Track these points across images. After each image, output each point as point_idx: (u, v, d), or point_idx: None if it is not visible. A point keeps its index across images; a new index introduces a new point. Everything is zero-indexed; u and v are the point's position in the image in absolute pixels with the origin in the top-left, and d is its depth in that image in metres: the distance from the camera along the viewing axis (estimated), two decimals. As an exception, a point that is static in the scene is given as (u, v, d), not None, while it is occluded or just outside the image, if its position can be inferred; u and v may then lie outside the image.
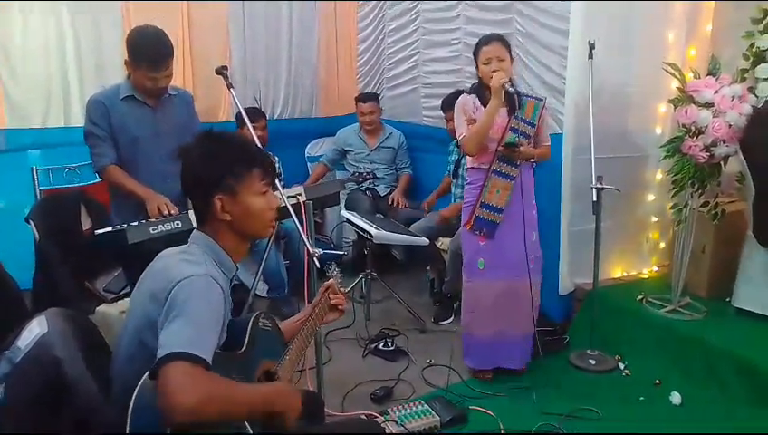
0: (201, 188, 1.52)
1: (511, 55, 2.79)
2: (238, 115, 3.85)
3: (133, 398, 1.27)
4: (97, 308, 2.87)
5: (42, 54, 3.80)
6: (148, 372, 1.26)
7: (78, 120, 3.84)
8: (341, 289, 1.97)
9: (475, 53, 2.81)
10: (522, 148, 2.74)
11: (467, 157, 2.94)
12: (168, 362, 1.21)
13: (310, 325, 1.80)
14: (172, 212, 2.41)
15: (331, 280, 1.97)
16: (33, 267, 3.20)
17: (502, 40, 2.79)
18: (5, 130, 3.75)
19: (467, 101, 2.85)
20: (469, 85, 3.91)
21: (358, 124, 4.54)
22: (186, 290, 1.34)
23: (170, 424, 1.20)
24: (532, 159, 2.86)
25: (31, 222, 3.16)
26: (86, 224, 3.44)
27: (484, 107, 2.79)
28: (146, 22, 2.63)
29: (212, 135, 1.58)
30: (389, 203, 4.29)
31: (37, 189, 3.68)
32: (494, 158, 2.81)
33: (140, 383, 1.28)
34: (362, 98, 4.53)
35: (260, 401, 1.37)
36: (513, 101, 2.71)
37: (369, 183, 4.33)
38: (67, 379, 1.31)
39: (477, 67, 2.81)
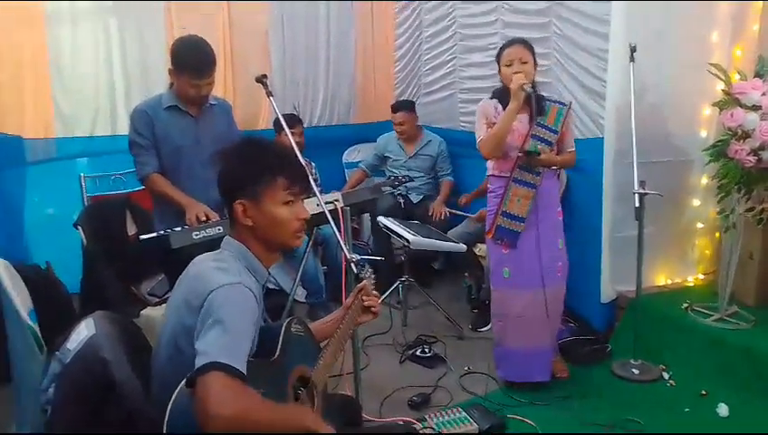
0: (227, 192, 1.56)
1: (535, 60, 2.75)
2: (276, 121, 3.91)
3: (170, 403, 1.30)
4: (141, 311, 2.95)
5: (90, 67, 3.93)
6: (185, 380, 1.29)
7: (124, 129, 3.92)
8: (374, 290, 1.96)
9: (498, 56, 2.79)
10: (543, 156, 2.70)
11: (489, 164, 2.89)
12: (207, 372, 1.24)
13: (344, 328, 1.79)
14: (210, 219, 2.45)
15: (363, 282, 1.97)
16: (81, 271, 3.32)
17: (525, 42, 2.77)
18: (56, 140, 3.89)
19: (489, 105, 2.83)
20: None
21: None
22: (220, 299, 1.37)
23: (206, 431, 1.22)
24: (555, 167, 2.82)
25: (79, 228, 3.28)
26: (131, 229, 3.55)
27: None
28: (188, 33, 2.70)
29: (245, 141, 1.61)
30: (429, 214, 4.22)
31: (85, 196, 3.80)
32: (515, 166, 2.77)
33: (177, 389, 1.31)
34: (394, 108, 4.50)
35: (292, 419, 1.38)
36: (535, 108, 2.68)
37: (403, 189, 4.33)
38: (113, 379, 1.35)
39: (500, 70, 2.78)
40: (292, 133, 3.73)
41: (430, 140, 4.48)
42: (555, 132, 2.77)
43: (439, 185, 4.46)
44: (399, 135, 4.46)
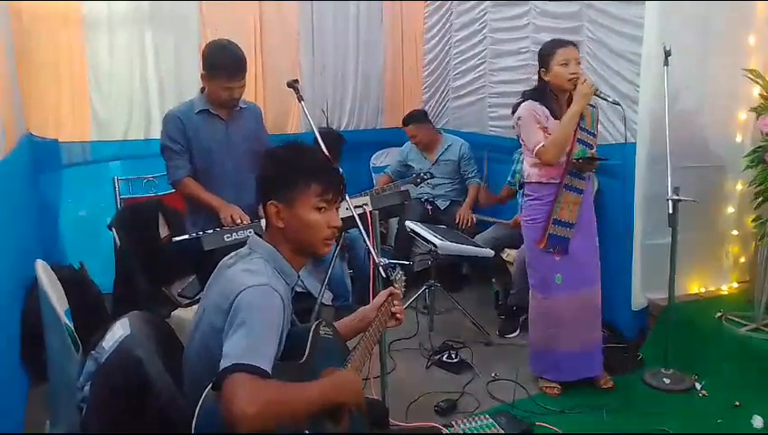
0: (262, 192, 1.58)
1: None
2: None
3: (198, 406, 1.31)
4: (173, 312, 2.99)
5: (126, 71, 4.01)
6: (211, 383, 1.30)
7: (157, 133, 3.96)
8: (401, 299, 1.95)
9: (548, 55, 2.71)
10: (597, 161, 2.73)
11: (529, 171, 2.83)
12: (230, 374, 1.26)
13: (373, 330, 1.79)
14: (244, 221, 2.49)
15: (396, 287, 1.98)
16: (114, 272, 3.38)
17: (576, 45, 2.78)
18: (91, 143, 3.98)
19: (536, 109, 2.75)
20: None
21: None
22: (247, 300, 1.38)
23: (234, 432, 1.23)
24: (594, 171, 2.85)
25: (113, 229, 3.33)
26: (163, 232, 3.60)
27: (550, 113, 2.73)
28: (219, 36, 2.74)
29: (285, 144, 1.63)
30: (456, 221, 4.18)
31: (118, 199, 3.87)
32: (565, 172, 2.73)
33: (205, 393, 1.32)
34: (404, 121, 4.45)
35: (318, 396, 1.38)
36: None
37: (430, 195, 4.32)
38: (148, 378, 1.38)
39: (548, 70, 2.71)
40: (337, 152, 3.75)
41: (450, 144, 4.44)
42: (594, 135, 2.80)
43: (467, 189, 4.44)
44: (417, 146, 4.45)
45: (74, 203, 3.92)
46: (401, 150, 4.61)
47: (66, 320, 1.83)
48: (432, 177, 4.20)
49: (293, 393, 1.34)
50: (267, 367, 1.30)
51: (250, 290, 1.40)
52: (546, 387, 2.92)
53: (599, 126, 2.91)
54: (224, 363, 1.28)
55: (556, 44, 2.73)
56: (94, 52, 3.90)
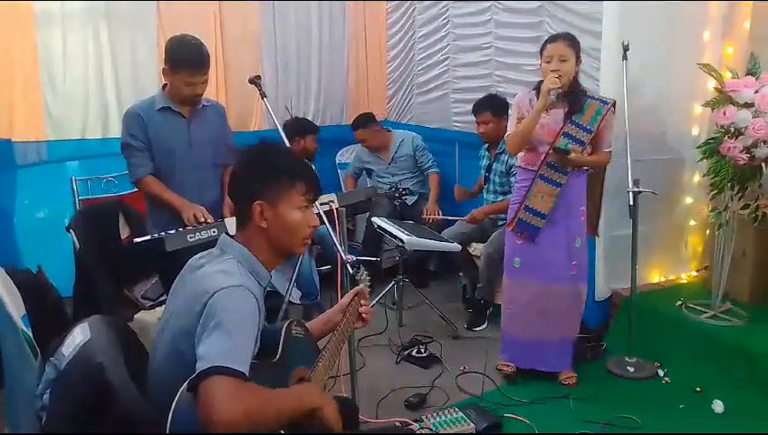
0: (245, 192, 1.55)
1: (578, 54, 2.71)
2: (288, 126, 3.91)
3: (173, 407, 1.29)
4: (135, 315, 2.92)
5: (81, 69, 3.90)
6: (185, 384, 1.28)
7: (115, 131, 3.94)
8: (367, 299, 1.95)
9: (541, 50, 2.75)
10: (573, 156, 2.68)
11: (518, 155, 2.91)
12: (208, 377, 1.24)
13: (341, 330, 1.79)
14: (208, 220, 2.45)
15: (361, 286, 1.97)
16: (74, 275, 3.29)
17: (568, 38, 2.73)
18: (46, 143, 3.86)
19: (524, 99, 2.81)
20: (500, 89, 3.93)
21: None
22: (222, 301, 1.36)
23: None
24: (585, 167, 2.80)
25: (71, 231, 3.24)
26: (124, 232, 3.51)
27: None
28: (183, 33, 2.68)
29: (267, 144, 1.62)
30: (424, 217, 4.18)
31: (76, 199, 3.76)
32: (543, 162, 2.76)
33: (179, 394, 1.30)
34: (353, 127, 4.45)
35: (295, 401, 1.38)
36: (568, 106, 2.70)
37: (399, 185, 4.32)
38: (110, 384, 1.34)
39: (541, 65, 2.75)
40: (313, 139, 3.74)
41: (402, 140, 4.45)
42: (590, 132, 2.73)
43: (429, 181, 4.43)
44: (369, 149, 4.47)
45: (31, 204, 3.80)
46: (356, 153, 4.62)
47: (23, 326, 1.77)
48: (411, 193, 4.21)
49: (271, 399, 1.33)
50: (245, 369, 1.29)
51: (225, 291, 1.37)
52: (500, 364, 2.99)
53: (612, 123, 2.81)
54: (201, 365, 1.26)
55: (548, 40, 2.76)
56: (47, 49, 3.78)
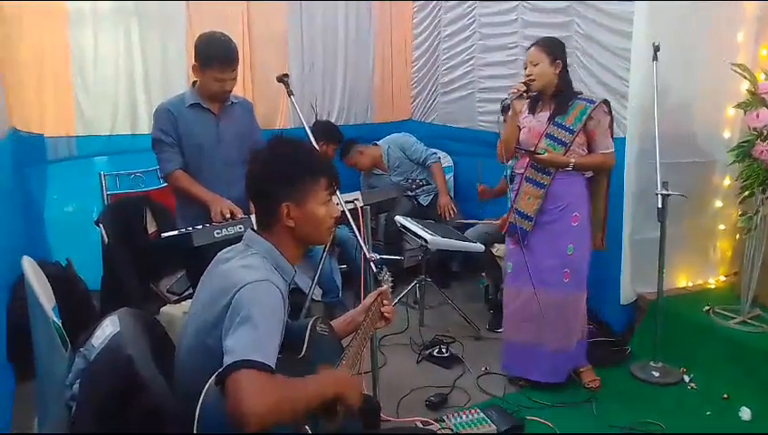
0: (269, 194, 1.54)
1: (555, 58, 2.68)
2: (316, 124, 3.95)
3: (200, 400, 1.30)
4: (161, 309, 2.96)
5: (111, 67, 3.96)
6: (213, 377, 1.29)
7: (143, 128, 3.99)
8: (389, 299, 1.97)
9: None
10: (546, 155, 2.68)
11: (510, 162, 2.97)
12: (237, 370, 1.25)
13: (364, 329, 1.80)
14: (236, 215, 2.46)
15: (385, 287, 1.98)
16: (102, 269, 3.34)
17: (541, 42, 2.73)
18: (76, 138, 3.93)
19: (519, 105, 2.84)
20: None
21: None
22: (248, 295, 1.37)
23: (241, 430, 1.22)
24: (569, 168, 2.71)
25: (100, 225, 3.30)
26: (151, 227, 3.57)
27: (531, 112, 2.81)
28: (212, 30, 2.71)
29: (284, 141, 1.61)
30: (439, 214, 4.20)
31: (105, 194, 3.83)
32: (528, 164, 2.78)
33: (207, 387, 1.31)
34: (339, 158, 4.44)
35: (321, 388, 1.39)
36: (558, 106, 2.70)
37: (420, 190, 4.31)
38: (138, 375, 1.36)
39: None
40: (334, 149, 3.75)
41: (389, 147, 4.44)
42: (572, 132, 2.70)
43: (433, 175, 4.38)
44: (363, 170, 4.51)
45: (60, 199, 3.86)
46: (361, 180, 4.64)
47: (54, 317, 1.81)
48: (428, 183, 4.19)
49: (298, 389, 1.34)
50: (272, 363, 1.30)
51: (251, 286, 1.39)
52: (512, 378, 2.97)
53: (605, 123, 2.75)
54: (228, 359, 1.27)
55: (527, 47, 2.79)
56: (79, 47, 3.84)
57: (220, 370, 1.27)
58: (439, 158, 4.46)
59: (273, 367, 1.30)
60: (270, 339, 1.34)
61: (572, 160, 2.70)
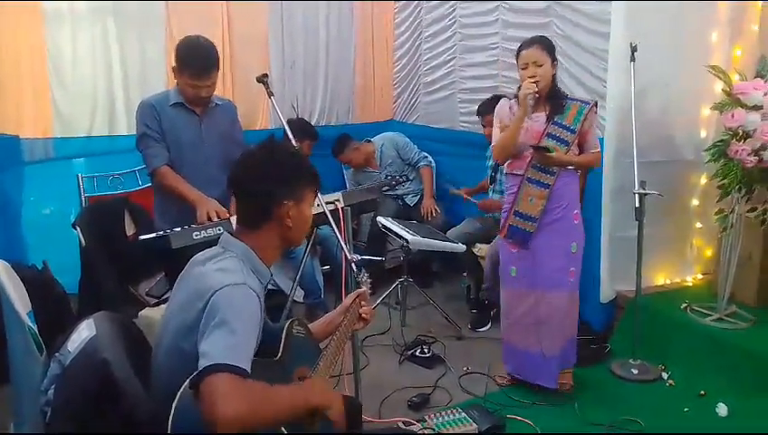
0: (270, 192, 1.54)
1: (554, 58, 2.70)
2: (291, 123, 3.93)
3: (174, 403, 1.29)
4: (140, 312, 2.93)
5: (89, 67, 3.91)
6: (188, 381, 1.29)
7: (122, 129, 3.95)
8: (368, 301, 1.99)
9: (516, 57, 2.74)
10: (555, 154, 2.65)
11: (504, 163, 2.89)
12: (211, 374, 1.24)
13: (342, 331, 1.81)
14: (222, 217, 2.44)
15: (363, 289, 2.00)
16: (79, 272, 3.30)
17: (542, 43, 2.70)
18: (53, 140, 3.87)
19: (504, 107, 2.81)
20: (507, 90, 3.91)
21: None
22: (224, 299, 1.37)
23: (215, 433, 1.21)
24: (571, 167, 2.74)
25: (77, 228, 3.25)
26: (130, 230, 3.53)
27: None
28: (187, 34, 2.68)
29: (280, 143, 1.65)
30: (422, 214, 4.22)
31: (82, 196, 3.78)
32: (529, 164, 2.73)
33: (181, 391, 1.30)
34: (333, 155, 4.51)
35: (300, 398, 1.39)
36: (550, 107, 2.69)
37: (401, 188, 4.31)
38: (115, 380, 1.35)
39: (518, 71, 2.73)
40: (309, 146, 3.77)
41: (383, 144, 4.46)
42: (572, 132, 2.70)
43: (421, 177, 4.41)
44: (356, 168, 4.53)
45: (38, 201, 3.81)
46: (349, 178, 4.67)
47: (29, 322, 1.78)
48: (408, 179, 4.20)
49: (274, 396, 1.33)
50: (247, 367, 1.29)
51: (227, 289, 1.38)
52: (497, 376, 2.97)
53: (595, 124, 2.79)
54: (203, 362, 1.26)
55: (522, 46, 2.72)
56: (56, 47, 3.79)
57: (194, 374, 1.26)
58: (431, 162, 4.47)
59: (249, 371, 1.29)
60: (245, 343, 1.34)
61: (575, 159, 2.73)
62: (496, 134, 2.81)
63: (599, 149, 2.78)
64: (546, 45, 2.70)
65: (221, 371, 1.24)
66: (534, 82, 2.62)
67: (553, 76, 2.71)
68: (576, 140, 2.71)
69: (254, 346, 1.38)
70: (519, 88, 2.74)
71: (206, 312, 1.36)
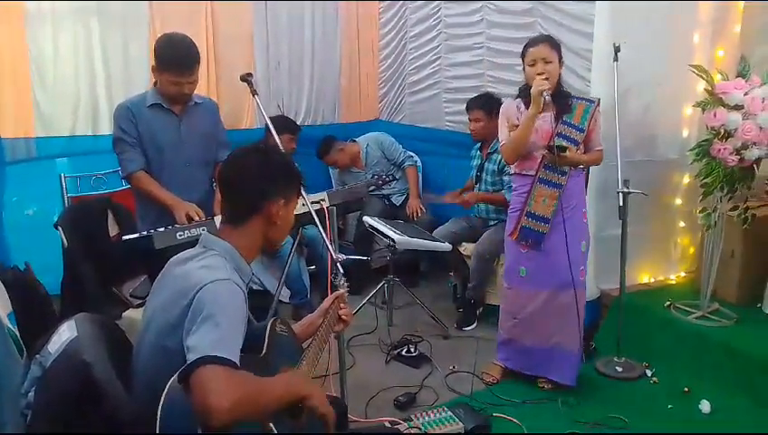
0: (262, 190, 1.57)
1: (560, 55, 2.70)
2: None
3: (162, 400, 1.28)
4: (123, 313, 2.91)
5: (71, 66, 3.87)
6: (176, 375, 1.28)
7: (105, 129, 3.91)
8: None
9: (523, 55, 2.72)
10: (568, 154, 2.64)
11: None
12: (201, 366, 1.23)
13: (322, 332, 1.83)
14: (201, 218, 2.43)
15: (341, 291, 2.02)
16: (62, 273, 3.26)
17: (550, 41, 2.71)
18: (35, 139, 3.83)
19: (511, 106, 2.80)
20: (491, 90, 3.93)
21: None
22: (210, 294, 1.37)
23: (206, 426, 1.21)
24: (581, 166, 2.77)
25: (59, 228, 3.21)
26: (113, 230, 3.49)
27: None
28: (174, 32, 2.66)
29: (271, 146, 1.74)
30: (407, 214, 4.21)
31: (65, 196, 3.74)
32: (540, 165, 2.72)
33: (167, 388, 1.29)
34: (318, 156, 4.51)
35: (284, 388, 1.39)
36: (554, 107, 2.69)
37: (388, 187, 4.31)
38: (96, 382, 1.33)
39: (524, 69, 2.73)
40: (291, 139, 3.75)
41: (368, 144, 4.46)
42: (582, 131, 2.71)
43: (407, 176, 4.41)
44: (343, 168, 4.53)
45: (19, 201, 3.76)
46: (334, 178, 4.67)
47: (9, 324, 1.76)
48: (395, 178, 4.20)
49: (263, 386, 1.34)
50: (236, 359, 1.30)
51: (213, 284, 1.38)
52: (484, 373, 2.98)
53: (599, 121, 2.80)
54: (192, 356, 1.26)
55: (529, 43, 2.72)
56: (38, 46, 3.74)
57: (183, 367, 1.25)
58: (416, 161, 4.48)
59: (238, 363, 1.29)
60: (233, 336, 1.34)
61: (585, 158, 2.74)
62: (504, 134, 2.78)
63: (602, 147, 2.81)
64: (554, 44, 2.71)
65: (211, 362, 1.24)
66: (545, 79, 2.60)
67: (559, 75, 2.72)
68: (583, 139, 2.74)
69: (242, 340, 1.38)
70: (524, 87, 2.75)
71: (191, 308, 1.36)
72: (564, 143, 2.67)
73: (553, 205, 2.72)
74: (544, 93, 2.57)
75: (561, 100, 2.73)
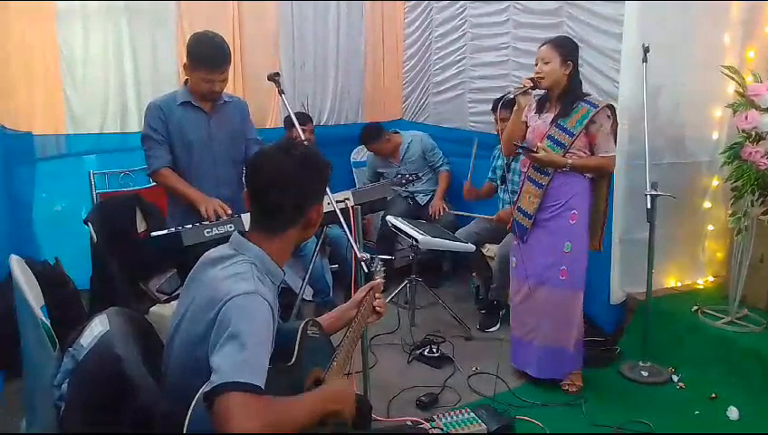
0: (305, 196, 1.53)
1: (565, 56, 2.69)
2: (287, 119, 3.94)
3: (190, 410, 1.29)
4: (151, 309, 2.95)
5: (101, 64, 3.95)
6: (200, 393, 1.27)
7: (133, 126, 3.98)
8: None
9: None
10: (540, 154, 2.70)
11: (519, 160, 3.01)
12: (224, 393, 1.22)
13: (356, 326, 1.77)
14: (227, 212, 2.45)
15: (378, 280, 1.95)
16: (90, 268, 3.32)
17: (554, 41, 2.74)
18: (65, 136, 3.91)
19: (526, 102, 2.86)
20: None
21: None
22: (235, 310, 1.34)
23: None
24: (566, 169, 2.73)
25: (89, 224, 3.27)
26: (141, 226, 3.55)
27: (539, 112, 2.83)
28: (205, 30, 2.69)
29: (302, 144, 1.63)
30: (430, 213, 4.22)
31: (94, 193, 3.81)
32: (529, 164, 2.84)
33: (195, 401, 1.29)
34: (362, 142, 4.48)
35: (315, 408, 1.38)
36: (563, 108, 2.72)
37: (411, 186, 4.30)
38: (127, 375, 1.35)
39: None
40: (303, 131, 3.74)
41: (411, 140, 4.45)
42: (571, 135, 2.71)
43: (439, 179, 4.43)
44: (381, 157, 4.51)
45: (49, 197, 3.84)
46: (368, 161, 4.65)
47: (42, 316, 1.79)
48: (418, 178, 4.20)
49: (289, 410, 1.32)
50: (261, 382, 1.27)
51: (239, 299, 1.35)
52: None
53: (608, 126, 2.75)
54: (216, 379, 1.24)
55: (541, 44, 2.78)
56: (68, 44, 3.83)
57: (207, 388, 1.24)
58: (450, 168, 4.46)
59: (262, 386, 1.27)
60: (258, 357, 1.31)
61: (569, 161, 2.71)
62: None
63: (611, 154, 2.76)
64: (558, 44, 2.72)
65: (233, 389, 1.22)
66: (537, 79, 2.71)
67: (568, 76, 2.71)
68: (576, 144, 2.72)
69: (268, 357, 1.36)
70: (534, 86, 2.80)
71: (216, 322, 1.34)
72: (552, 146, 2.73)
73: (536, 202, 2.81)
74: (510, 93, 2.78)
75: (565, 102, 2.73)
